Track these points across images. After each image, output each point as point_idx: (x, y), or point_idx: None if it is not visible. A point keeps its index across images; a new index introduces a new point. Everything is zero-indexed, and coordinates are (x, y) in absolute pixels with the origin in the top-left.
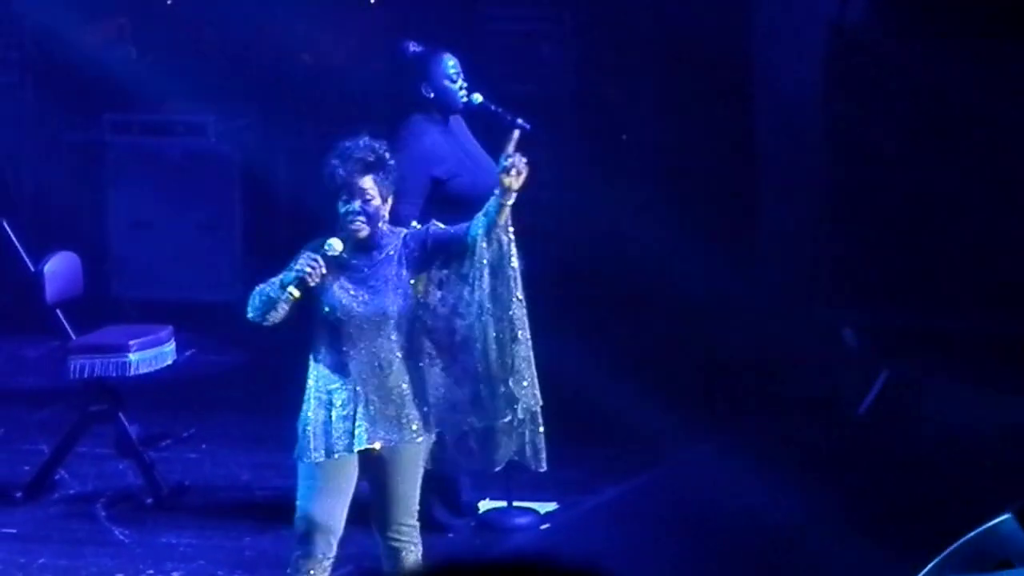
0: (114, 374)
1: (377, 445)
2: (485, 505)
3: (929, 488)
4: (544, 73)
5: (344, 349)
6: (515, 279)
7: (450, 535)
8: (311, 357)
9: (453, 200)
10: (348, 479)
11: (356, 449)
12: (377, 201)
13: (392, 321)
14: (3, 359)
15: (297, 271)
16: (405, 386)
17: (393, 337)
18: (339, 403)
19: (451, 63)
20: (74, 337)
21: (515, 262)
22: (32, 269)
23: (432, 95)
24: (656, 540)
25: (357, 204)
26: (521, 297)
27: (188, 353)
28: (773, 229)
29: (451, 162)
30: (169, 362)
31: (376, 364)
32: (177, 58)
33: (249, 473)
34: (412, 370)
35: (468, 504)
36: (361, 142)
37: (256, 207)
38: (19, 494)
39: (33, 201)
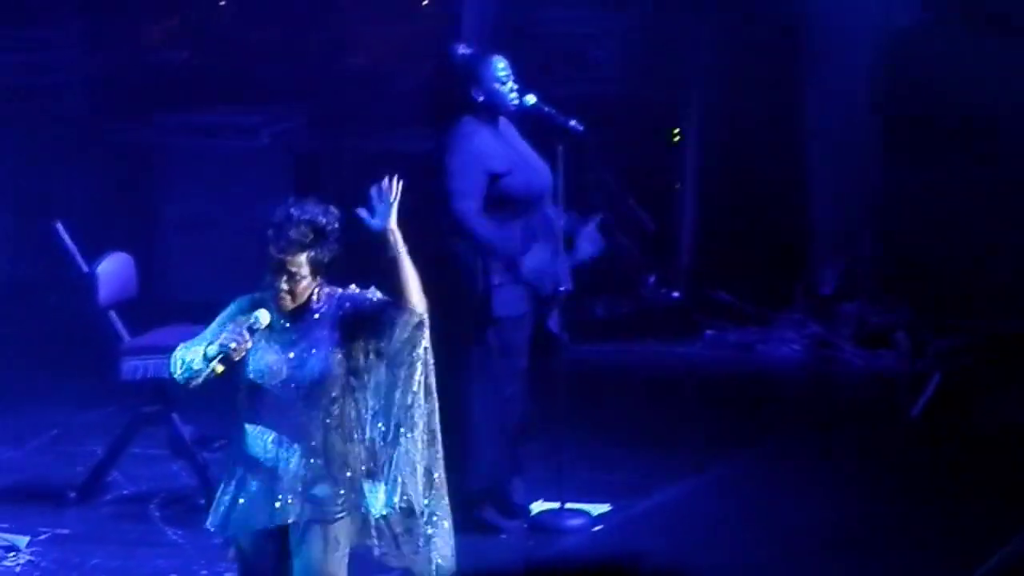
0: (167, 375)
1: (291, 519)
2: (537, 507)
3: (982, 491)
4: (595, 75)
5: (268, 416)
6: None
7: (502, 537)
8: (234, 423)
9: (507, 199)
10: (277, 557)
11: (276, 524)
12: (308, 278)
13: (321, 388)
14: (57, 361)
15: (221, 346)
16: (332, 458)
17: (321, 406)
18: (261, 473)
19: (501, 65)
20: (127, 338)
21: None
22: (85, 270)
23: (482, 98)
24: (709, 543)
25: (283, 282)
26: (418, 391)
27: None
28: (824, 230)
29: (504, 161)
30: None
31: (302, 434)
32: (229, 59)
33: None
34: (339, 443)
35: (520, 506)
36: (304, 216)
37: None
38: (73, 495)
39: (86, 203)
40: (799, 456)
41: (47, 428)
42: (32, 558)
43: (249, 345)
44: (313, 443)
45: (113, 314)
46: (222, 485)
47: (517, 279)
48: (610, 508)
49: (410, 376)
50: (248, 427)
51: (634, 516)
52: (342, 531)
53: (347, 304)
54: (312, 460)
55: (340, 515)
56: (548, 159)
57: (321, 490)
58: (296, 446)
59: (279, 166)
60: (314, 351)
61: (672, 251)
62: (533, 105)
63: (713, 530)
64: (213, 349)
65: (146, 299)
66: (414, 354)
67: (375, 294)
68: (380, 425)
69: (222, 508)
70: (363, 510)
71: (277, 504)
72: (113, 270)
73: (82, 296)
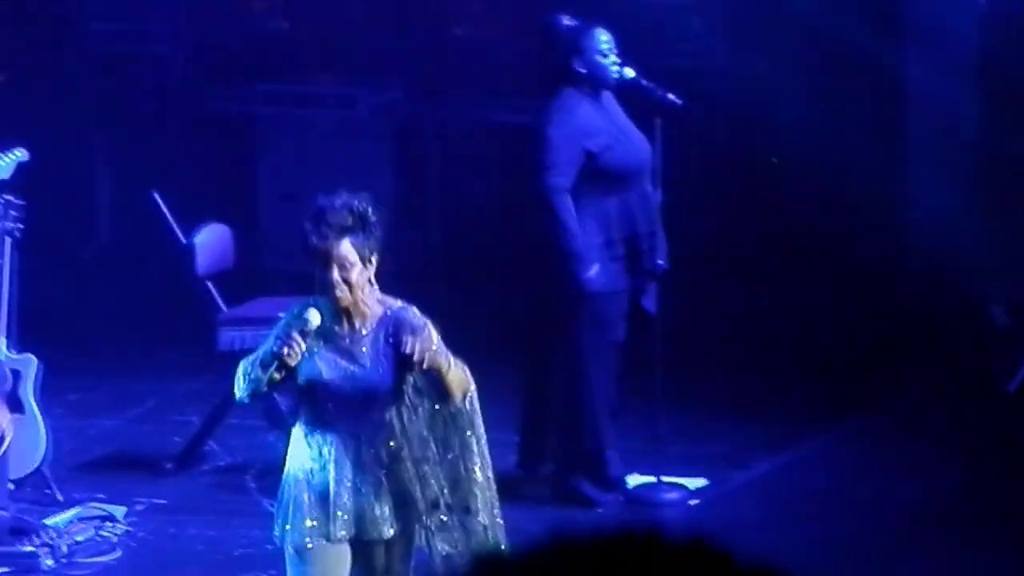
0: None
1: (343, 533)
2: (634, 480)
3: None
4: (695, 48)
5: (323, 426)
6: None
7: (598, 510)
8: (295, 428)
9: (605, 174)
10: (336, 568)
11: (333, 539)
12: (357, 267)
13: (371, 403)
14: (154, 331)
15: (274, 352)
16: (384, 475)
17: (375, 419)
18: (316, 484)
19: (604, 37)
20: (225, 309)
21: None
22: (183, 241)
23: (584, 70)
24: (806, 516)
25: (335, 273)
26: (472, 432)
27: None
28: (923, 204)
29: (604, 136)
30: None
31: (355, 447)
32: (329, 30)
33: None
34: (393, 460)
35: (617, 479)
36: (338, 202)
37: (406, 181)
38: (169, 465)
39: (184, 173)
40: (896, 430)
41: (144, 399)
42: (129, 528)
43: (302, 348)
44: (367, 457)
45: (211, 285)
46: (280, 495)
47: (613, 255)
48: (706, 482)
49: (458, 424)
50: (303, 435)
51: (731, 490)
52: (396, 549)
53: (397, 325)
54: (364, 474)
55: (390, 534)
56: (647, 133)
57: (373, 506)
58: (352, 459)
59: (378, 137)
60: (365, 365)
61: None
62: (632, 79)
63: (810, 503)
64: (267, 354)
65: (244, 270)
66: (464, 416)
67: (426, 327)
68: (431, 453)
69: (280, 519)
70: (413, 528)
71: (330, 519)
72: (211, 241)
73: (180, 267)
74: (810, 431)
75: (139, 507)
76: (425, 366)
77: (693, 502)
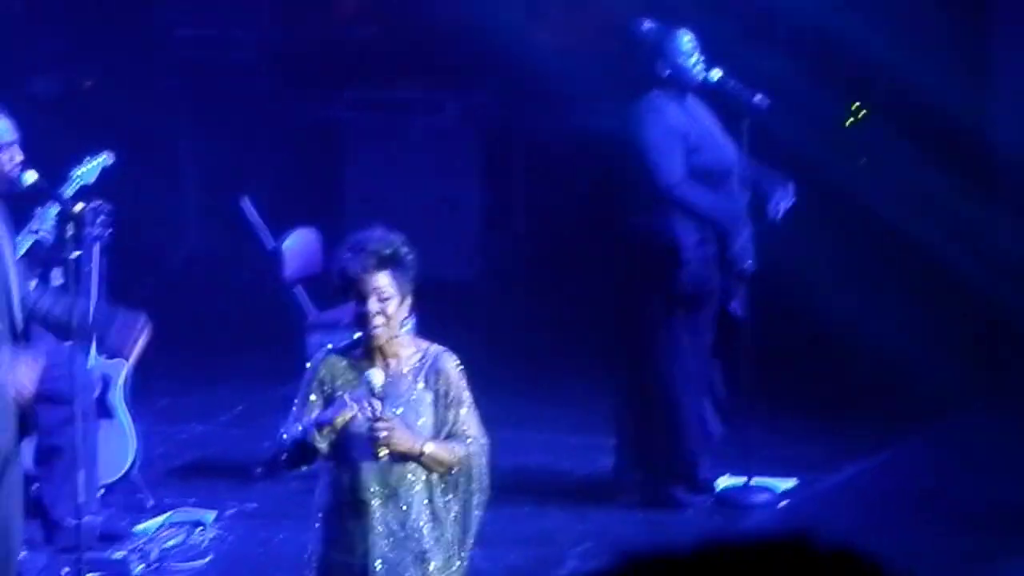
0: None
1: None
2: (724, 482)
3: None
4: (777, 50)
5: (354, 473)
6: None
7: (688, 512)
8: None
9: (694, 174)
10: None
11: None
12: (395, 301)
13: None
14: (243, 336)
15: (327, 418)
16: (422, 523)
17: (411, 466)
18: (348, 537)
19: (687, 39)
20: (313, 313)
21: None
22: (272, 246)
23: (668, 72)
24: (899, 519)
25: (373, 304)
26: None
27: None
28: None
29: (692, 136)
30: None
31: (389, 494)
32: (416, 35)
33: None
34: (427, 505)
35: (706, 481)
36: (376, 233)
37: (494, 186)
38: (259, 470)
39: (272, 179)
40: (994, 429)
41: (234, 404)
42: (219, 533)
43: (354, 412)
44: (404, 505)
45: (299, 289)
46: (314, 544)
47: (704, 254)
48: (796, 483)
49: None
50: (336, 481)
51: (820, 491)
52: None
53: (437, 363)
54: (404, 522)
55: None
56: (733, 134)
57: (395, 552)
58: (386, 507)
59: (464, 142)
60: (400, 411)
61: None
62: (718, 80)
63: (902, 505)
64: (312, 423)
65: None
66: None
67: (459, 375)
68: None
69: (313, 561)
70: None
71: (357, 560)
72: (299, 245)
73: (269, 271)
74: (903, 432)
75: (229, 512)
76: (382, 454)
77: (783, 504)
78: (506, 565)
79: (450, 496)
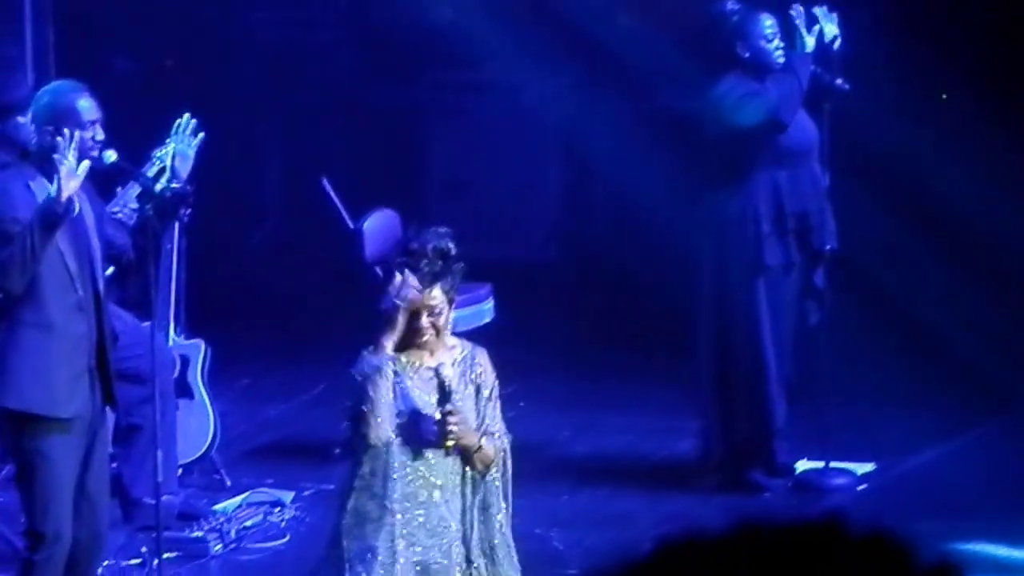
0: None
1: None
2: (802, 465)
3: None
4: (861, 33)
5: (400, 464)
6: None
7: (766, 495)
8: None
9: (773, 154)
10: None
11: None
12: (446, 312)
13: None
14: (323, 317)
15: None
16: (454, 522)
17: (457, 461)
18: (383, 524)
19: (768, 23)
20: None
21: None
22: (352, 227)
23: (748, 55)
24: (975, 503)
25: (424, 320)
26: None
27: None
28: None
29: None
30: (487, 320)
31: (430, 486)
32: (496, 18)
33: (567, 431)
34: (461, 501)
35: (785, 465)
36: (429, 247)
37: (573, 168)
38: (338, 451)
39: (352, 160)
40: None
41: (313, 384)
42: (297, 513)
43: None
44: (441, 499)
45: (379, 270)
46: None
47: (785, 229)
48: (874, 467)
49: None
50: (391, 464)
51: (898, 476)
52: None
53: (477, 363)
54: (439, 513)
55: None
56: (814, 117)
57: (441, 547)
58: (422, 498)
59: (545, 125)
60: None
61: None
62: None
63: (980, 490)
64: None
65: None
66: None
67: (493, 371)
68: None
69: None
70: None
71: (400, 561)
72: (379, 226)
73: (349, 252)
74: (981, 417)
75: (307, 492)
76: (450, 444)
77: (861, 487)
78: (584, 547)
79: (480, 493)
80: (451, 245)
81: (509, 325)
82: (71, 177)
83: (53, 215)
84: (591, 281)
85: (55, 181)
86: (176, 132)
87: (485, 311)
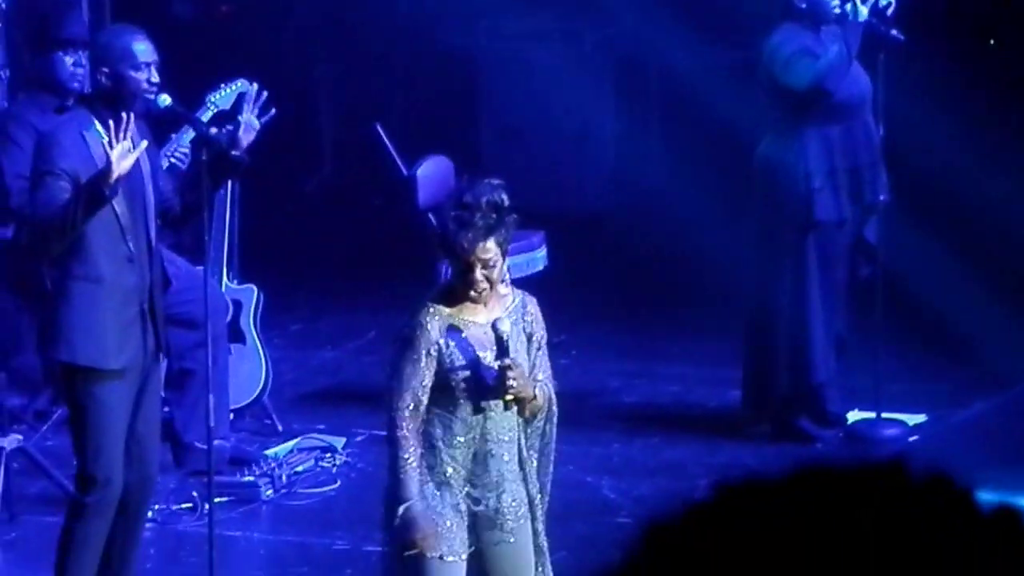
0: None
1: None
2: (853, 416)
3: None
4: None
5: (462, 422)
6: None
7: (817, 446)
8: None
9: (827, 106)
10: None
11: (480, 548)
12: (500, 264)
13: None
14: (375, 262)
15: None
16: (514, 469)
17: (510, 415)
18: (453, 483)
19: None
20: None
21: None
22: (405, 173)
23: (805, 5)
24: None
25: (478, 273)
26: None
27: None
28: None
29: None
30: (540, 268)
31: (492, 442)
32: None
33: (618, 381)
34: (517, 453)
35: (836, 415)
36: (483, 199)
37: (629, 116)
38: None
39: (407, 107)
40: None
41: (365, 330)
42: (348, 459)
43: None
44: (502, 454)
45: (432, 217)
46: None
47: (837, 185)
48: (925, 419)
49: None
50: (445, 432)
51: (950, 427)
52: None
53: (529, 312)
54: (503, 471)
55: (516, 530)
56: (868, 68)
57: (509, 507)
58: (488, 457)
59: (601, 72)
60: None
61: None
62: (855, 14)
63: None
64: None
65: None
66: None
67: (541, 323)
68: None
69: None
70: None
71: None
72: (433, 173)
73: (402, 199)
74: None
75: (359, 438)
76: (510, 398)
77: (912, 438)
78: (635, 496)
79: (535, 443)
80: (504, 197)
81: (562, 274)
82: (123, 158)
83: (100, 194)
84: (644, 231)
85: (107, 137)
86: (246, 102)
87: (538, 259)
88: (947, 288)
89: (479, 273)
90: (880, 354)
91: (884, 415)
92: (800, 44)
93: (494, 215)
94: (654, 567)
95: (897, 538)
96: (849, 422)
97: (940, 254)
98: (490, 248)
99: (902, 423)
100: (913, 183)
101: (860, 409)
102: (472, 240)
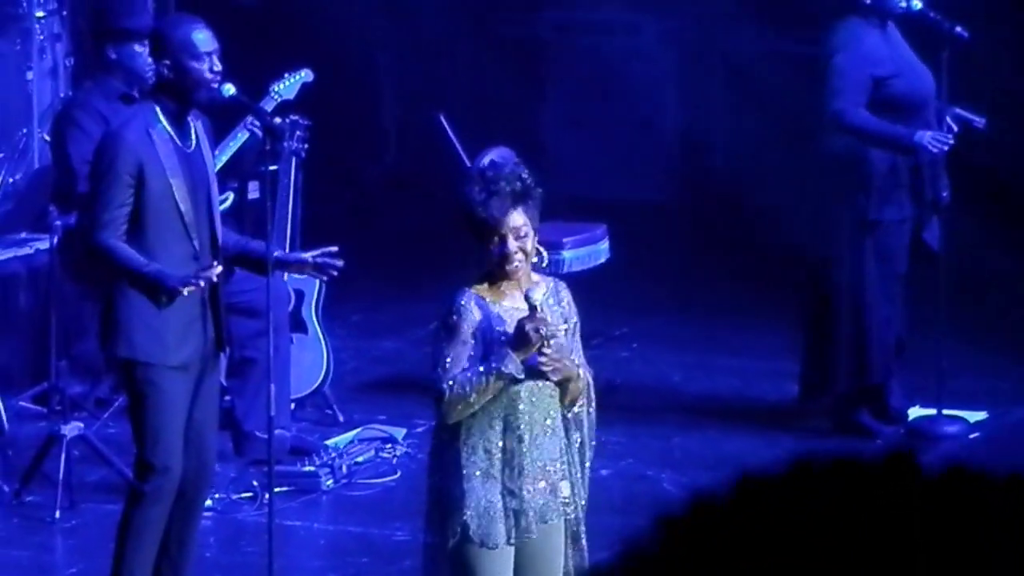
0: (547, 272)
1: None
2: (914, 412)
3: None
4: None
5: (506, 408)
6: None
7: (878, 441)
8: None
9: (890, 102)
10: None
11: (519, 538)
12: (531, 237)
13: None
14: (436, 251)
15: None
16: (558, 454)
17: (551, 394)
18: (496, 472)
19: None
20: None
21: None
22: (468, 164)
23: (870, 1)
24: None
25: (512, 244)
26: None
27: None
28: None
29: (889, 64)
30: (603, 260)
31: (535, 425)
32: None
33: (679, 373)
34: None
35: (897, 410)
36: (507, 168)
37: (691, 109)
38: None
39: (470, 97)
40: None
41: (427, 320)
42: (408, 450)
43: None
44: (544, 437)
45: (459, 199)
46: (457, 487)
47: (899, 183)
48: (987, 415)
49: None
50: (486, 416)
51: (1011, 424)
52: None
53: (563, 297)
54: (547, 453)
55: (556, 520)
56: (932, 66)
57: (551, 488)
58: (531, 440)
59: (664, 64)
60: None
61: None
62: (919, 10)
63: None
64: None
65: None
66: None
67: (575, 309)
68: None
69: (469, 516)
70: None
71: (524, 515)
72: None
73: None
74: None
75: (419, 429)
76: (555, 379)
77: (973, 435)
78: (693, 488)
79: (575, 431)
80: (525, 170)
81: (623, 265)
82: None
83: (154, 291)
84: (706, 223)
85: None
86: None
87: (601, 251)
88: (1010, 285)
89: (512, 244)
90: (942, 351)
91: (945, 412)
92: (856, 80)
93: (518, 182)
94: (665, 559)
95: (912, 530)
96: (910, 418)
97: (1003, 251)
98: (519, 218)
99: (963, 420)
100: (977, 180)
101: (921, 406)
102: (502, 208)
